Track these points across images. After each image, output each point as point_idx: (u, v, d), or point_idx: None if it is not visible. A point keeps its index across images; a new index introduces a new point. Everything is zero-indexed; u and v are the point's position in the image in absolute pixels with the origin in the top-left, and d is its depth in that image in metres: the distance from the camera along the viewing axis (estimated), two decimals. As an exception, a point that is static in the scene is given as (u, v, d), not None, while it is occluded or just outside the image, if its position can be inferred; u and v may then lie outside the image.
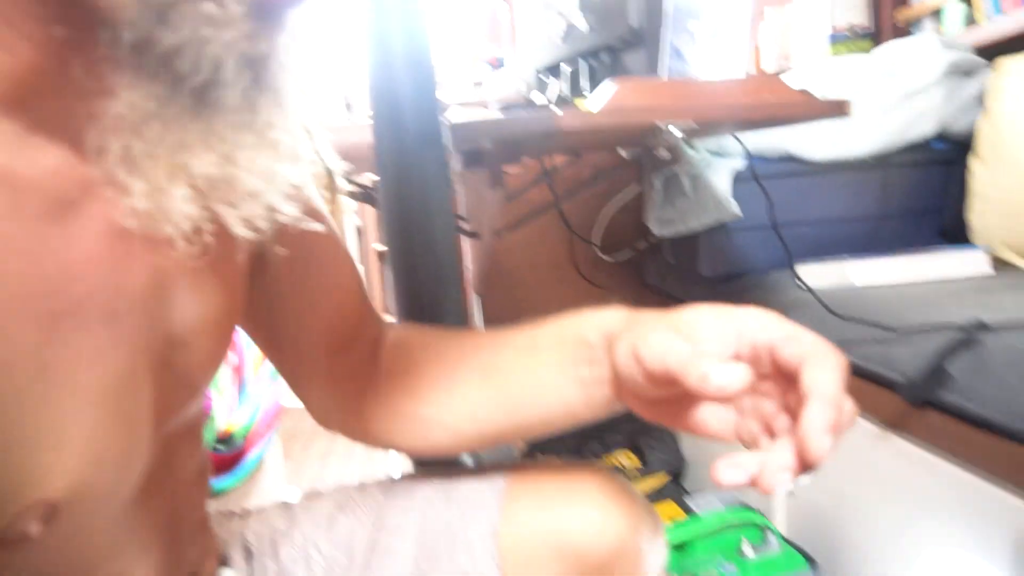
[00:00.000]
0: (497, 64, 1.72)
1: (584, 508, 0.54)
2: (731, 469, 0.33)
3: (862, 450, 0.84)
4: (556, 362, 0.47)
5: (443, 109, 0.68)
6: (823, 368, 0.33)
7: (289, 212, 0.35)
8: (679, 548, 0.98)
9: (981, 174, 1.13)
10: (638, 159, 1.45)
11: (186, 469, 0.46)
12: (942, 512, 0.74)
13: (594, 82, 1.02)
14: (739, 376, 0.33)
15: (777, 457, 0.33)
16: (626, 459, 1.36)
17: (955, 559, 0.73)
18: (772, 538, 0.96)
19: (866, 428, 0.84)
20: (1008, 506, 0.64)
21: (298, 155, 0.35)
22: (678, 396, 0.39)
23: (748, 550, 0.95)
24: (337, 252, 0.52)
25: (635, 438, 1.39)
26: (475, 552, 0.53)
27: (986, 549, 0.67)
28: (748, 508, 1.03)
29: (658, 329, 0.38)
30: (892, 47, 1.30)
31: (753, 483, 0.33)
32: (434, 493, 0.57)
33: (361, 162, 0.70)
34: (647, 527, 0.57)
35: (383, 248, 0.64)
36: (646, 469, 1.35)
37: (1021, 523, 0.63)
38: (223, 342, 0.42)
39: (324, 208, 0.50)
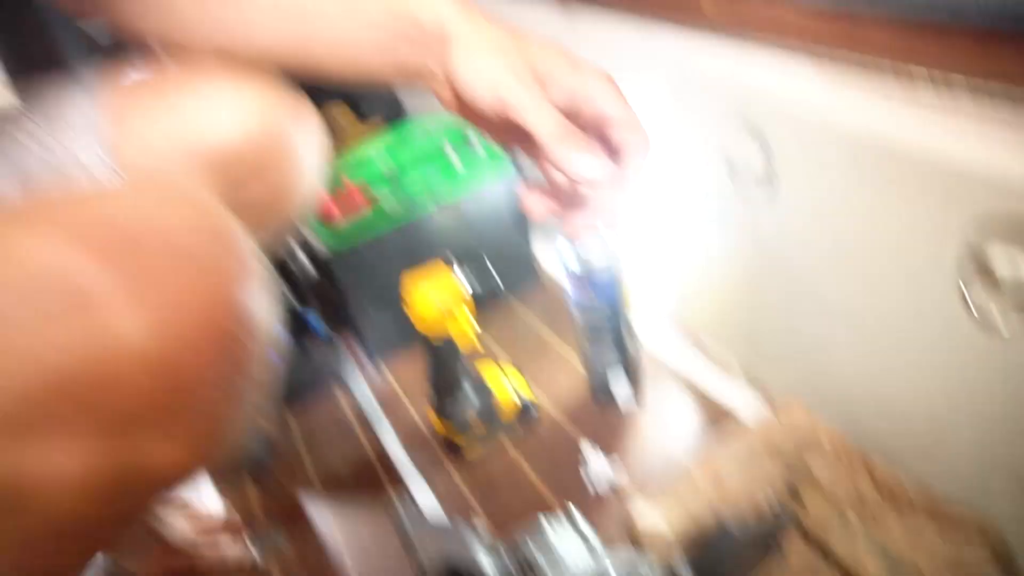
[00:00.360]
0: None
1: (214, 105, 0.50)
2: (537, 204, 0.41)
3: (549, 28, 0.90)
4: (375, 38, 0.43)
5: None
6: (640, 155, 0.40)
7: None
8: (394, 177, 1.00)
9: None
10: None
11: None
12: (619, 68, 0.80)
13: None
14: (598, 173, 0.37)
15: (584, 214, 0.41)
16: (340, 111, 1.31)
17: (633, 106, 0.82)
18: (477, 145, 1.01)
19: (549, 11, 0.89)
20: (667, 43, 0.73)
21: None
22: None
23: (456, 161, 0.99)
24: None
25: (350, 89, 1.32)
26: (92, 174, 0.47)
27: (651, 86, 0.75)
28: (450, 123, 1.05)
29: (520, 73, 0.38)
30: None
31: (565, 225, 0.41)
32: (30, 124, 0.48)
33: None
34: (297, 121, 0.54)
35: None
36: (362, 119, 1.32)
37: (678, 56, 0.72)
38: None
39: None
